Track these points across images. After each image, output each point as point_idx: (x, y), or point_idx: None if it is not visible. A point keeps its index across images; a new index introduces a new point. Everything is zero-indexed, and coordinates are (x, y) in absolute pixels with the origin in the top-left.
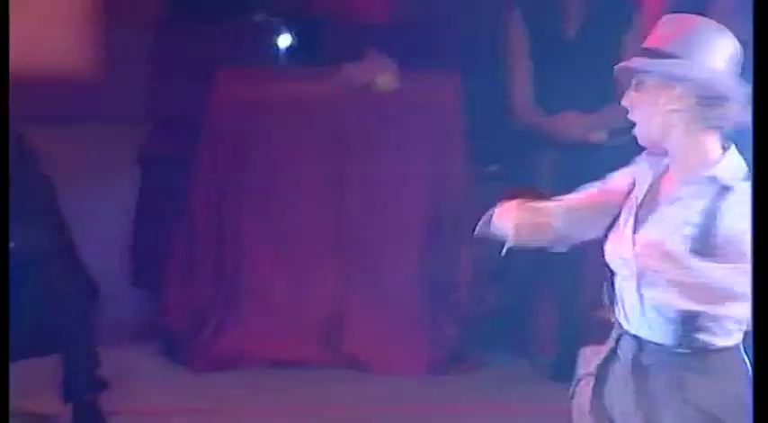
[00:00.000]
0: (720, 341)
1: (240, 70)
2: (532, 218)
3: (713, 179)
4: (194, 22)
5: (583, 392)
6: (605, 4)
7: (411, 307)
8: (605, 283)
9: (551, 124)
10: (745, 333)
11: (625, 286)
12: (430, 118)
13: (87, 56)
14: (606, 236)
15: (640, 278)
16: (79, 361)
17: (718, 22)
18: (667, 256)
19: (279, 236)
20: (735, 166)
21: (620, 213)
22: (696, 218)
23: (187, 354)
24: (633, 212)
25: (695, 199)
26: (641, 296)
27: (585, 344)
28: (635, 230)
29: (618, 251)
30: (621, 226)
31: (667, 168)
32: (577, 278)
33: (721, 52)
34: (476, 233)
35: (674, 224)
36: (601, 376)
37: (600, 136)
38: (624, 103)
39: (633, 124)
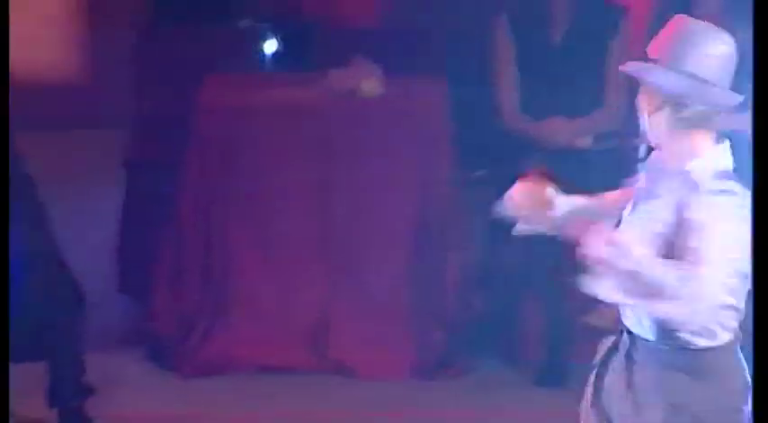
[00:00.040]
0: (703, 341)
1: (226, 75)
2: (540, 207)
3: (685, 174)
4: (181, 28)
5: (589, 384)
6: (592, 10)
7: (398, 312)
8: None
9: (538, 130)
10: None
11: None
12: (416, 124)
13: (73, 61)
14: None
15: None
16: (65, 366)
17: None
18: (612, 244)
19: (266, 241)
20: (712, 165)
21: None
22: (666, 214)
23: (174, 359)
24: (624, 213)
25: (668, 194)
26: None
27: (572, 349)
28: (616, 226)
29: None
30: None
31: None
32: (564, 284)
33: (709, 54)
34: (494, 212)
35: (647, 219)
36: (601, 370)
37: (586, 141)
38: (637, 103)
39: (619, 129)
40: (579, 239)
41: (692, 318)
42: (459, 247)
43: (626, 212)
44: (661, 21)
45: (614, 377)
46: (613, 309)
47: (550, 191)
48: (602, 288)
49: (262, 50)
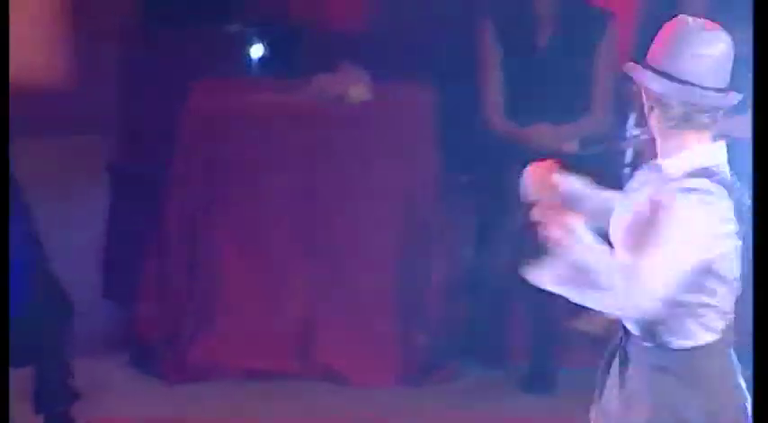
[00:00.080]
0: (680, 341)
1: (213, 80)
2: (547, 193)
3: (658, 170)
4: (168, 32)
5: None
6: (578, 15)
7: (384, 317)
8: None
9: (524, 135)
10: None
11: None
12: (402, 129)
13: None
14: None
15: None
16: (51, 372)
17: None
18: (567, 228)
19: (252, 246)
20: (687, 162)
21: None
22: (641, 208)
23: (160, 365)
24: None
25: (644, 188)
26: None
27: (560, 355)
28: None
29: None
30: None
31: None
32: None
33: (698, 54)
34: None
35: (624, 211)
36: (604, 368)
37: (572, 146)
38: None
39: (605, 134)
40: (540, 221)
41: (623, 310)
42: (445, 251)
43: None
44: (647, 25)
45: (613, 375)
46: (602, 314)
47: (557, 176)
48: (541, 276)
49: (249, 55)
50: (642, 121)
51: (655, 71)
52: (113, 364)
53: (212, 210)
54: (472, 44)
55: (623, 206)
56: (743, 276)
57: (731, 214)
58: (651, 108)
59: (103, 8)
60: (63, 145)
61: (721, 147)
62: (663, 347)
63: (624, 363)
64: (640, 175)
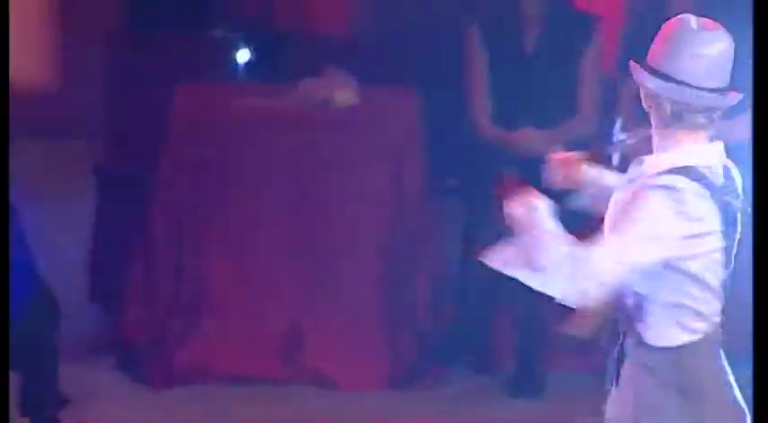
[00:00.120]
0: (660, 339)
1: (199, 84)
2: (576, 178)
3: (640, 165)
4: (154, 37)
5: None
6: (564, 20)
7: (371, 322)
8: None
9: (511, 138)
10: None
11: None
12: (389, 133)
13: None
14: None
15: None
16: (38, 376)
17: None
18: (529, 208)
19: (239, 250)
20: (667, 161)
21: None
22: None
23: (147, 369)
24: None
25: (629, 183)
26: None
27: (546, 358)
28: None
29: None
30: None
31: None
32: (537, 293)
33: (695, 54)
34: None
35: (612, 204)
36: (609, 362)
37: (559, 150)
38: None
39: (592, 138)
40: (505, 198)
41: (567, 295)
42: (432, 255)
43: None
44: (634, 30)
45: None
46: (589, 317)
47: (585, 168)
48: (493, 256)
49: (235, 59)
50: (629, 125)
51: (653, 71)
52: (100, 368)
53: (199, 213)
54: (458, 48)
55: (612, 200)
56: (742, 277)
57: (710, 215)
58: (649, 107)
59: (90, 12)
60: (49, 148)
61: (716, 148)
62: (648, 346)
63: (621, 360)
64: (632, 171)
